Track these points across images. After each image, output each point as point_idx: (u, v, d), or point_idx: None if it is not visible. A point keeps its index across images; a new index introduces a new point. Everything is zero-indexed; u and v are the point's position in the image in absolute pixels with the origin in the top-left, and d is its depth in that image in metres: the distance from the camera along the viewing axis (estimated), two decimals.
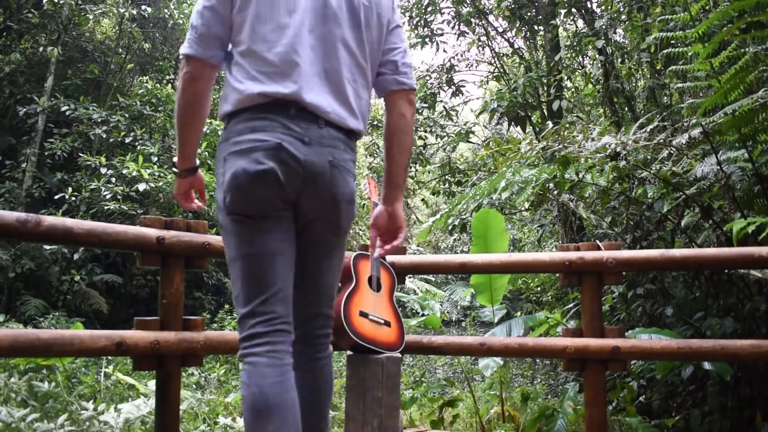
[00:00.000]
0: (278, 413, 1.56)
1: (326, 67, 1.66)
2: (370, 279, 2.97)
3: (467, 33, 9.07)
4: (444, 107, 9.26)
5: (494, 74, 9.59)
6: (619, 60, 7.00)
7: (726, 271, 3.79)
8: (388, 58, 1.83)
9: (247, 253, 1.63)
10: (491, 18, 9.09)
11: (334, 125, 1.67)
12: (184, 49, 1.66)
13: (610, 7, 6.54)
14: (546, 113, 7.73)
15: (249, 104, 1.61)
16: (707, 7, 4.26)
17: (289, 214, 1.68)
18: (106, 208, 8.43)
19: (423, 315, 4.50)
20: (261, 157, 1.58)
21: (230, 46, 1.69)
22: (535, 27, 8.19)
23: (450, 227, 7.06)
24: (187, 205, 1.95)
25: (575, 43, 7.15)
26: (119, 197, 8.58)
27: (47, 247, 8.73)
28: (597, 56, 6.96)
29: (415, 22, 9.00)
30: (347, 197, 1.72)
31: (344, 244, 1.82)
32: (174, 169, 1.87)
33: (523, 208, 8.36)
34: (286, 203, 1.65)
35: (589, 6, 7.51)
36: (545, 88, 7.74)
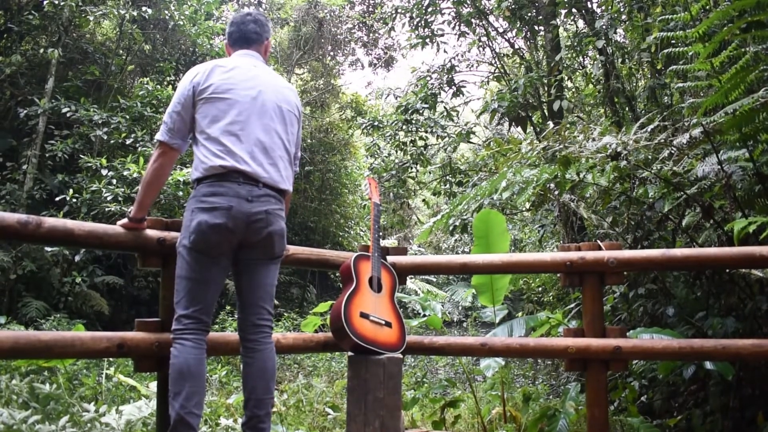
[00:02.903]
0: (194, 377, 2.28)
1: (267, 146, 2.48)
2: (371, 280, 2.97)
3: (468, 33, 9.06)
4: (444, 108, 9.24)
5: (495, 74, 9.58)
6: (620, 60, 6.99)
7: (727, 270, 3.79)
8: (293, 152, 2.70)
9: (194, 278, 2.37)
10: (492, 18, 9.08)
11: (269, 186, 2.46)
12: (158, 136, 2.49)
13: (610, 7, 6.53)
14: (547, 113, 7.72)
15: (212, 173, 2.38)
16: (707, 7, 4.26)
17: (230, 254, 2.43)
18: (107, 209, 8.42)
19: (424, 315, 4.50)
20: (218, 214, 2.34)
21: (197, 133, 2.46)
22: (536, 27, 8.17)
23: (451, 228, 7.05)
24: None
25: (576, 44, 7.13)
26: (120, 199, 8.57)
27: (48, 248, 8.74)
28: (597, 56, 6.94)
29: (415, 23, 8.99)
30: (278, 233, 2.49)
31: (279, 262, 2.58)
32: (129, 215, 2.50)
33: (524, 209, 8.35)
34: (231, 245, 2.40)
35: (590, 6, 7.50)
36: (546, 89, 7.73)
